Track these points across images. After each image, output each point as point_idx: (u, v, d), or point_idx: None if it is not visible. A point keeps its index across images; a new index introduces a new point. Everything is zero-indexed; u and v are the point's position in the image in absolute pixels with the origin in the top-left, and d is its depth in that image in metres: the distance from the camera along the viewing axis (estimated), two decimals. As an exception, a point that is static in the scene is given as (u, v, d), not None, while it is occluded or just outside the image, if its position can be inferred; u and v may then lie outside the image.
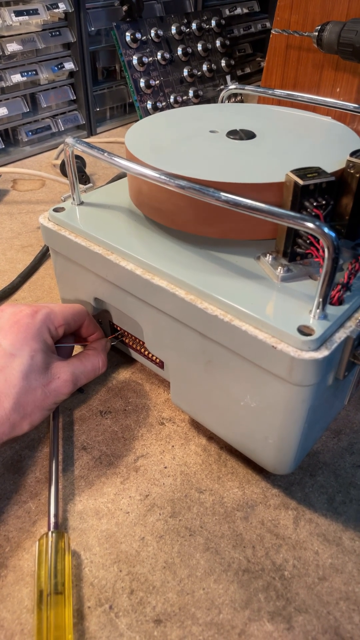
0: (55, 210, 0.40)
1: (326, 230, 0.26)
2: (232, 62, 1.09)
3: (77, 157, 0.76)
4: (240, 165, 0.35)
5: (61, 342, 0.40)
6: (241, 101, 1.11)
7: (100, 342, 0.42)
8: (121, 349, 0.45)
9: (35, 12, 0.78)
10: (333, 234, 0.26)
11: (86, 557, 0.32)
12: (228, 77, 1.10)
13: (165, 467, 0.38)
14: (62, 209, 0.40)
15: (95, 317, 0.44)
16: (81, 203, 0.41)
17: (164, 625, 0.29)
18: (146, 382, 0.45)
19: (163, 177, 0.31)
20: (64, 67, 0.86)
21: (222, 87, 1.09)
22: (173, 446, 0.39)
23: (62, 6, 0.81)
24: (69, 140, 0.37)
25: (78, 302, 0.43)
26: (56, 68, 0.86)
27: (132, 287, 0.36)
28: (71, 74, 0.90)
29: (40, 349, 0.35)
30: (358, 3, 0.84)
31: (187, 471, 0.38)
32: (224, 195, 0.29)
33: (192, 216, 0.34)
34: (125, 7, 0.90)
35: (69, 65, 0.87)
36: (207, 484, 0.37)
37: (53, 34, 0.83)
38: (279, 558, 0.32)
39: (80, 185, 0.43)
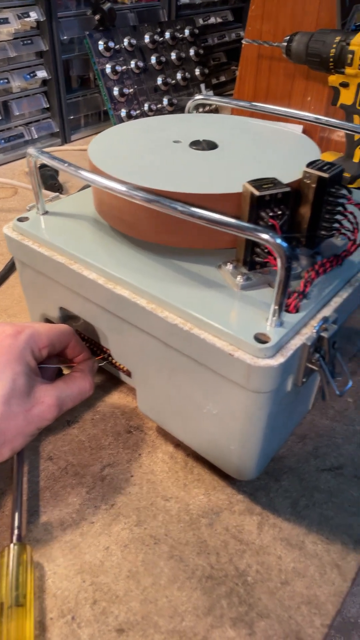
0: (20, 219, 0.40)
1: (278, 240, 0.27)
2: (206, 71, 1.11)
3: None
4: (201, 176, 0.35)
5: (45, 363, 0.37)
6: (216, 111, 1.12)
7: (87, 363, 0.39)
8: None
9: (5, 21, 0.78)
10: (285, 244, 0.27)
11: (49, 569, 0.32)
12: (202, 86, 1.11)
13: (132, 476, 0.38)
14: (27, 218, 0.40)
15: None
16: (46, 212, 0.41)
17: (126, 634, 0.29)
18: (115, 391, 0.45)
19: (122, 188, 0.32)
20: (36, 75, 0.86)
21: (196, 95, 1.10)
22: (140, 454, 0.40)
23: (33, 15, 0.81)
24: (32, 151, 0.37)
25: (44, 311, 0.43)
26: (29, 76, 0.86)
27: (95, 297, 0.36)
28: (44, 82, 0.90)
29: (22, 371, 0.33)
30: (327, 14, 0.86)
31: (154, 479, 0.38)
32: (181, 206, 0.30)
33: (154, 226, 0.35)
34: (97, 16, 0.90)
35: (42, 74, 0.87)
36: (173, 491, 0.37)
37: (25, 42, 0.83)
38: (242, 564, 0.33)
39: (47, 193, 0.43)
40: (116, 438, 0.41)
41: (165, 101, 1.01)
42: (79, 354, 0.40)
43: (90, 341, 0.43)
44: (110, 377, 0.46)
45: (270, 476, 0.38)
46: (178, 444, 0.40)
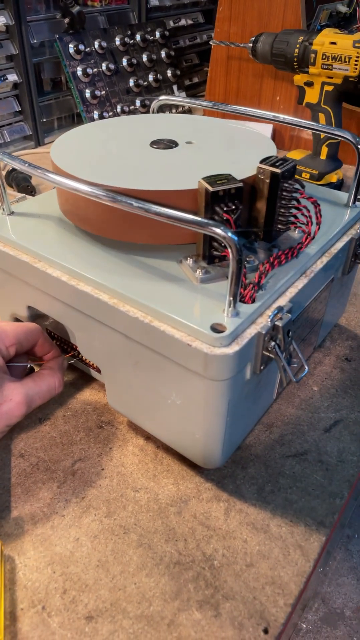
0: (-15, 221, 0.41)
1: (228, 233, 0.28)
2: (178, 72, 1.12)
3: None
4: (160, 173, 0.36)
5: (14, 361, 0.38)
6: (189, 112, 1.13)
7: (57, 360, 0.40)
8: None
9: (-27, 25, 0.78)
10: (235, 237, 0.28)
11: (20, 561, 0.33)
12: (175, 87, 1.12)
13: (103, 469, 0.39)
14: (-8, 219, 0.41)
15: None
16: (12, 213, 0.42)
17: (95, 621, 0.30)
18: (86, 387, 0.46)
19: (81, 185, 0.32)
20: (7, 79, 0.87)
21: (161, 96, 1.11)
22: (111, 448, 0.40)
23: (1, 19, 0.82)
24: (-7, 152, 0.38)
25: (14, 310, 0.43)
26: (-1, 80, 0.86)
27: (60, 294, 0.36)
28: (15, 85, 0.90)
29: None
30: (292, 15, 0.88)
31: (124, 471, 0.39)
32: (137, 202, 0.30)
33: (114, 223, 0.36)
34: (67, 20, 0.91)
35: (13, 77, 0.87)
36: (143, 482, 0.38)
37: (-6, 46, 0.83)
38: (209, 549, 0.34)
39: (14, 194, 0.44)
40: (87, 433, 0.41)
41: (138, 103, 1.02)
42: (47, 351, 0.40)
43: (60, 339, 0.44)
44: (82, 375, 0.47)
45: (237, 464, 0.39)
46: (148, 437, 0.41)
